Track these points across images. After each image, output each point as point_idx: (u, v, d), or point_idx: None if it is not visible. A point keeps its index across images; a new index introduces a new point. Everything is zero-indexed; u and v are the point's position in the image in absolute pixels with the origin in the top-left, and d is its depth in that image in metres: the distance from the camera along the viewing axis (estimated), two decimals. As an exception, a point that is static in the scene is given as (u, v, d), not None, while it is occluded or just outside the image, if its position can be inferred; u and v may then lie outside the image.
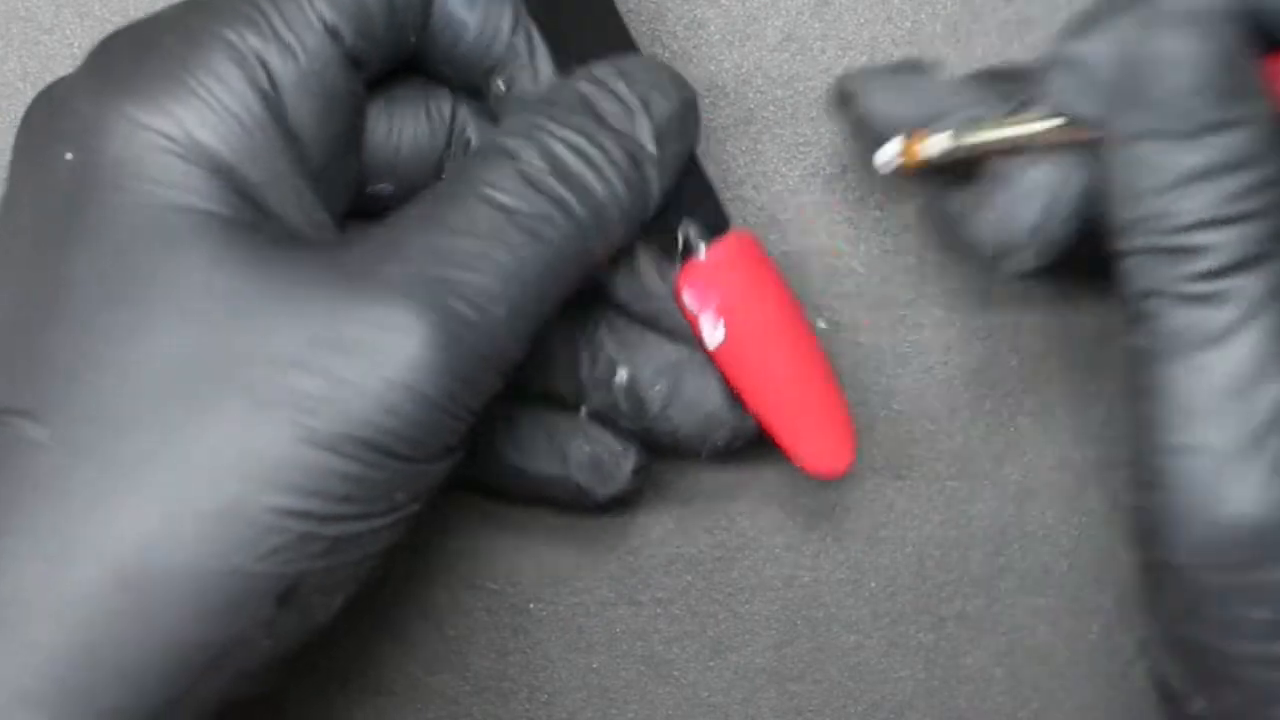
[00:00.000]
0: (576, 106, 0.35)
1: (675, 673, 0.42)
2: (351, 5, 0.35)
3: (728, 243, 0.38)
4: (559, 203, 0.34)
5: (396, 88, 0.38)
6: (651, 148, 0.35)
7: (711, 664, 0.42)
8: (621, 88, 0.35)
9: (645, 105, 0.35)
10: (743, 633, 0.42)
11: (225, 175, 0.33)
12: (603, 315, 0.39)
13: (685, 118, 0.36)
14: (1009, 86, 0.37)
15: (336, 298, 0.32)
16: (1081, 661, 0.42)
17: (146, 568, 0.30)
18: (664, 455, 0.40)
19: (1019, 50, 0.41)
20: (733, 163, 0.41)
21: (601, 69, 0.36)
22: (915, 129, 0.37)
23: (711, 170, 0.40)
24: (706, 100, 0.41)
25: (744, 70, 0.41)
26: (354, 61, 0.35)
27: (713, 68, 0.41)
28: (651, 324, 0.38)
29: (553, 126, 0.34)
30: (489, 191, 0.33)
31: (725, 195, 0.41)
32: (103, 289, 0.32)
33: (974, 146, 0.36)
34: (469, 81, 0.38)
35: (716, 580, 0.42)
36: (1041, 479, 0.42)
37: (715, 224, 0.38)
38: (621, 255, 0.37)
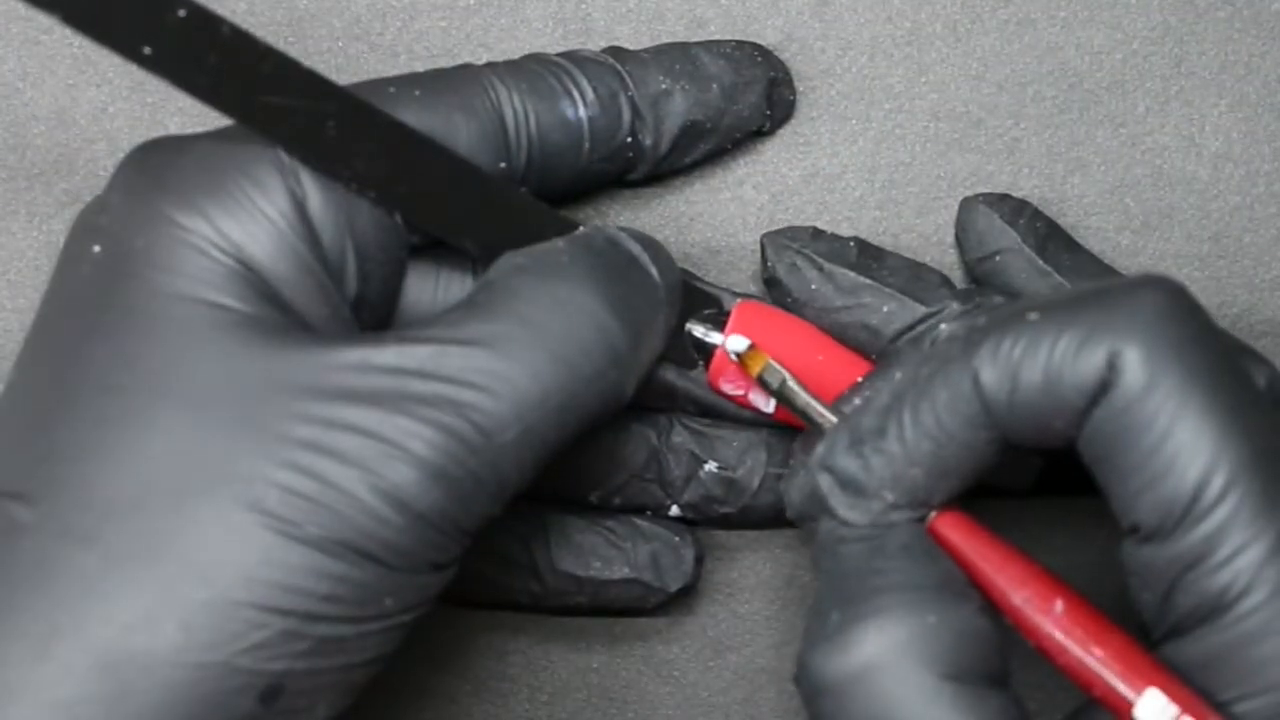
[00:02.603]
0: (612, 240, 0.36)
1: (675, 673, 0.42)
2: None
3: (733, 320, 0.38)
4: (600, 331, 0.34)
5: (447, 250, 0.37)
6: (664, 295, 0.36)
7: (711, 664, 0.42)
8: (638, 249, 0.36)
9: (658, 266, 0.36)
10: (743, 633, 0.42)
11: (250, 271, 0.33)
12: (671, 421, 0.40)
13: (682, 294, 0.37)
14: (906, 306, 0.38)
15: (339, 404, 0.32)
16: (1081, 661, 0.42)
17: (128, 654, 0.30)
18: (761, 527, 0.41)
19: (1019, 50, 0.41)
20: (733, 162, 0.41)
21: (612, 231, 0.36)
22: (757, 348, 0.37)
23: (711, 171, 0.40)
24: (706, 100, 0.41)
25: (744, 70, 0.41)
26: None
27: (713, 68, 0.41)
28: (718, 415, 0.39)
29: (598, 251, 0.35)
30: (524, 307, 0.33)
31: (725, 196, 0.41)
32: (112, 377, 0.32)
33: (788, 401, 0.37)
34: None
35: (716, 580, 0.42)
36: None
37: (710, 309, 0.39)
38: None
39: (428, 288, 0.37)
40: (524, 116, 0.36)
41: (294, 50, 0.41)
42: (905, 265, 0.39)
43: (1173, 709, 0.32)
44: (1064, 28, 0.41)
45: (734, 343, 0.38)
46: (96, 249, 0.34)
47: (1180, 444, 0.31)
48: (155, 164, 0.34)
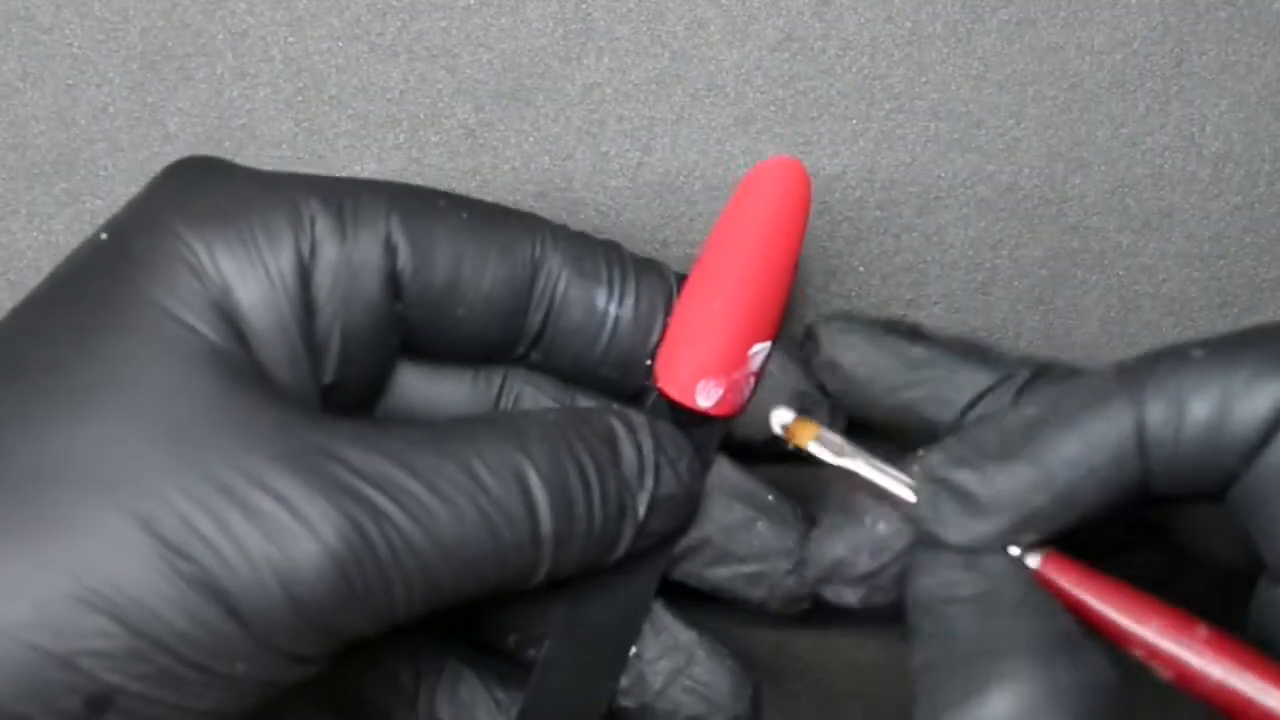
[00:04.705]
0: (603, 434, 0.35)
1: (675, 673, 0.42)
2: (420, 235, 0.35)
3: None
4: (531, 510, 0.33)
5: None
6: (641, 511, 0.35)
7: (712, 664, 0.42)
8: (648, 446, 0.36)
9: (657, 472, 0.36)
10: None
11: (231, 312, 0.33)
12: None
13: (684, 504, 0.37)
14: (978, 371, 0.36)
15: (272, 464, 0.31)
16: (1082, 661, 0.42)
17: None
18: None
19: (1019, 50, 0.41)
20: (733, 163, 0.41)
21: (638, 419, 0.36)
22: (806, 418, 0.37)
23: (713, 172, 0.40)
24: (706, 100, 0.41)
25: (744, 70, 0.41)
26: (396, 284, 0.35)
27: (713, 68, 0.41)
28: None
29: (574, 436, 0.35)
30: (473, 457, 0.33)
31: (727, 196, 0.42)
32: (64, 354, 0.32)
33: (842, 468, 0.36)
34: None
35: (717, 580, 0.42)
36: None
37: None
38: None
39: (420, 376, 0.37)
40: (555, 280, 0.36)
41: (294, 50, 0.41)
42: (958, 339, 0.38)
43: None
44: (1064, 28, 0.41)
45: (779, 415, 0.37)
46: (103, 236, 0.34)
47: None
48: (188, 180, 0.35)
